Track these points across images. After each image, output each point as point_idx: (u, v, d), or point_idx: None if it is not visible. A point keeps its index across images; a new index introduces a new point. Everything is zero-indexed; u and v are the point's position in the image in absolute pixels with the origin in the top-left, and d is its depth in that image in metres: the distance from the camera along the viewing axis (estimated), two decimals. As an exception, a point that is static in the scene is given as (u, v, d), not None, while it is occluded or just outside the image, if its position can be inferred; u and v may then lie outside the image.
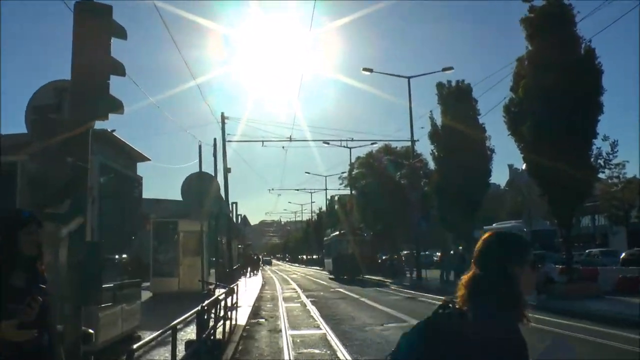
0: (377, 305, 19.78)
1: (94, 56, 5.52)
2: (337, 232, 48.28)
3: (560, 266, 22.05)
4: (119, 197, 10.74)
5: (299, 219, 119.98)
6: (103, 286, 7.14)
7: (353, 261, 41.23)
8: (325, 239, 55.69)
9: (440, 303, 2.26)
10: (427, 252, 49.79)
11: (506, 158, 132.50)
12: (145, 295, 19.12)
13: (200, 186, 13.77)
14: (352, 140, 40.99)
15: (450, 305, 2.22)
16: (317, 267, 72.06)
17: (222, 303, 11.08)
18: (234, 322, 13.10)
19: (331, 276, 45.21)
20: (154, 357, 9.25)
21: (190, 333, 10.60)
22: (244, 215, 41.25)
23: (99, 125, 6.77)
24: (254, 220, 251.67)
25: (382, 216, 40.99)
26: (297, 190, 77.78)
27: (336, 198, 75.93)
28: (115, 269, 9.88)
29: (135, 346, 4.61)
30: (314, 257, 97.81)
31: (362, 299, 22.66)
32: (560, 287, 19.29)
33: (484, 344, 2.04)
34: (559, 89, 18.97)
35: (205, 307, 8.30)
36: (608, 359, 9.89)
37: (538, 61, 19.92)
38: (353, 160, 48.53)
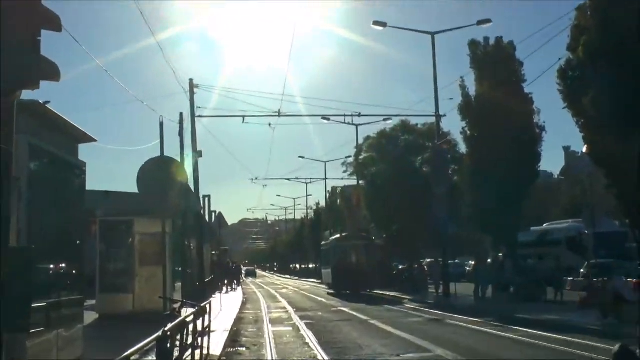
0: (391, 330, 19.82)
1: (18, 4, 5.43)
2: (339, 235, 48.30)
3: (634, 280, 22.04)
4: (55, 188, 10.67)
5: (290, 217, 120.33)
6: (33, 306, 7.08)
7: (359, 272, 41.32)
8: (322, 243, 55.74)
9: (618, 348, 2.21)
10: (456, 261, 49.82)
11: (561, 138, 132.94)
12: (90, 316, 19.04)
13: (162, 175, 13.72)
14: (360, 115, 40.76)
15: (635, 350, 2.18)
16: (314, 279, 72.32)
17: (191, 327, 11.05)
18: (205, 352, 13.10)
19: (330, 291, 45.34)
20: (101, 397, 9.25)
21: (148, 366, 10.58)
22: (220, 213, 41.29)
23: (26, 95, 6.70)
24: (232, 219, 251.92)
25: (398, 214, 41.02)
26: (289, 180, 77.97)
27: (339, 190, 76.09)
28: (49, 283, 9.83)
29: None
30: (310, 266, 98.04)
31: (372, 322, 22.71)
32: (633, 308, 19.23)
33: None
34: (635, 44, 18.80)
35: (169, 333, 8.27)
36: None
37: (606, 8, 19.76)
38: (361, 141, 48.56)
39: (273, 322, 23.69)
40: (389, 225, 44.88)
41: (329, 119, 44.13)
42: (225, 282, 48.87)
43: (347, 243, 44.74)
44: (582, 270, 32.22)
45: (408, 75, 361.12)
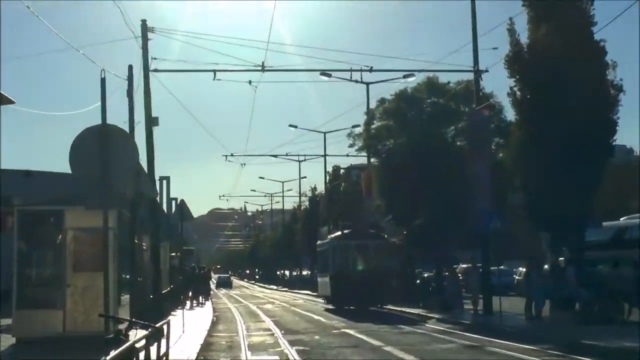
0: (414, 360, 19.89)
1: None
2: (340, 232, 48.24)
3: None
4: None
5: (277, 206, 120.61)
6: None
7: (367, 281, 41.36)
8: (319, 242, 55.78)
9: None
10: (502, 267, 49.91)
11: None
12: (4, 341, 19.03)
13: (103, 149, 13.64)
14: (371, 70, 40.77)
15: None
16: (309, 290, 72.72)
17: (142, 355, 11.00)
18: (162, 390, 13.06)
19: (329, 306, 45.44)
20: None
21: (84, 409, 10.55)
22: (182, 201, 41.18)
23: None
24: (199, 209, 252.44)
25: (423, 202, 41.04)
26: (276, 156, 77.80)
27: (342, 171, 76.16)
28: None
29: None
30: (304, 273, 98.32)
31: (387, 348, 22.76)
32: None
33: None
34: None
35: (111, 364, 8.23)
36: None
37: None
38: (373, 105, 48.47)
39: (253, 348, 23.72)
40: (410, 218, 44.91)
41: (330, 75, 44.23)
42: (190, 294, 48.94)
43: (351, 242, 44.64)
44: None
45: (437, 17, 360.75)
